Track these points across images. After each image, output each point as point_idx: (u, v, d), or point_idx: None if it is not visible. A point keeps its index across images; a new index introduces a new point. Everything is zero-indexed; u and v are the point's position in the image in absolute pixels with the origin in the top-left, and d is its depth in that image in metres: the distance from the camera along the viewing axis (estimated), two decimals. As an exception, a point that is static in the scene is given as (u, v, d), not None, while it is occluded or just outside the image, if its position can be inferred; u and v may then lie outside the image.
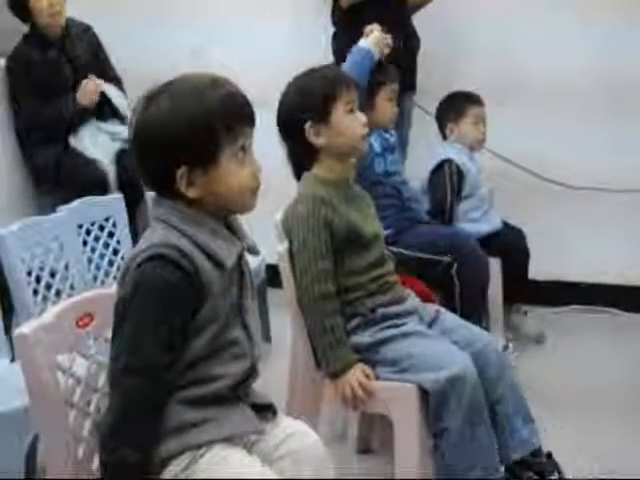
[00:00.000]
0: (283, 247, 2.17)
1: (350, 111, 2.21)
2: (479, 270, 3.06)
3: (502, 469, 2.17)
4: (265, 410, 1.65)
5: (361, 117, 2.24)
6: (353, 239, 2.18)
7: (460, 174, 3.45)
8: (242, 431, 1.57)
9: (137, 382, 1.44)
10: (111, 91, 3.94)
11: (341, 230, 2.15)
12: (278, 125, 2.25)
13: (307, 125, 2.18)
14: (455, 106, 3.58)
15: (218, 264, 1.53)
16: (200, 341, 1.51)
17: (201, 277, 1.49)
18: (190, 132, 1.50)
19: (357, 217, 2.21)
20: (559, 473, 2.23)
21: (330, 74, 2.26)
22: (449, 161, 3.45)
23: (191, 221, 1.53)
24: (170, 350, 1.47)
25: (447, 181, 3.43)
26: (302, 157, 2.24)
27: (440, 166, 3.46)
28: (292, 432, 1.66)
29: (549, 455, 2.24)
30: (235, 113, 1.54)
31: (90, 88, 3.81)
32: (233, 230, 1.61)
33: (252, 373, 1.62)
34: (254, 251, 1.66)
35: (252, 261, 3.37)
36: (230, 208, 1.59)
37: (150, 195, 1.63)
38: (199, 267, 1.49)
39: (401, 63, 3.24)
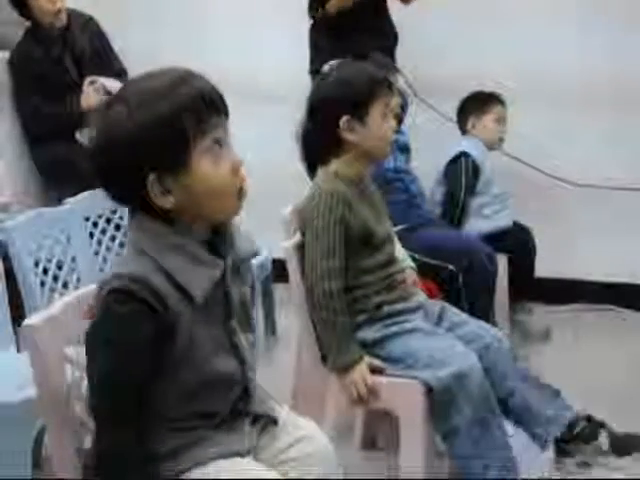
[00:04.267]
0: (290, 242, 2.17)
1: (384, 115, 2.17)
2: (487, 275, 3.05)
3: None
4: (265, 419, 1.58)
5: (393, 122, 2.21)
6: (366, 240, 2.16)
7: (476, 169, 3.46)
8: (239, 450, 1.50)
9: (107, 425, 1.39)
10: (112, 85, 3.91)
11: (356, 230, 2.13)
12: (310, 109, 2.18)
13: (343, 119, 2.13)
14: (479, 103, 3.61)
15: (189, 296, 1.41)
16: (186, 373, 1.43)
17: (169, 313, 1.39)
18: (152, 131, 1.36)
19: (371, 217, 2.19)
20: (605, 428, 2.18)
21: (376, 72, 2.18)
22: (466, 155, 3.46)
23: (165, 245, 1.40)
24: (137, 387, 1.39)
25: (462, 175, 3.44)
26: (326, 148, 2.17)
27: (457, 158, 3.47)
28: (300, 437, 1.59)
29: (588, 418, 2.19)
30: (202, 104, 1.38)
31: (90, 93, 3.74)
32: (222, 241, 1.48)
33: (245, 396, 1.53)
34: (251, 256, 1.59)
35: (257, 256, 3.43)
36: (213, 215, 1.44)
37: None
38: (168, 304, 1.38)
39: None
